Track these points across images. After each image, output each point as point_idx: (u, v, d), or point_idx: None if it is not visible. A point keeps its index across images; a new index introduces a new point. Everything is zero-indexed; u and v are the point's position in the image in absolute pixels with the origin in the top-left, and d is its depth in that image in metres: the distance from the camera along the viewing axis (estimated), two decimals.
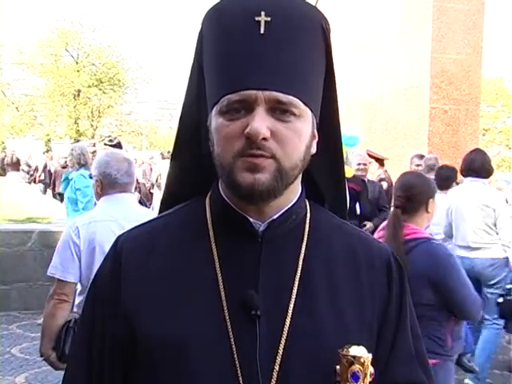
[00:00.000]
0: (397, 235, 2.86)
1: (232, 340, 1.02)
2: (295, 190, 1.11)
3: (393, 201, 3.04)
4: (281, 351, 1.02)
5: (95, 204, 3.64)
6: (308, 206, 1.16)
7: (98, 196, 3.23)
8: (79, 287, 3.06)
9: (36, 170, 22.47)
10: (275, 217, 1.08)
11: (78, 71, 35.36)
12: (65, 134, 35.80)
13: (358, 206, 6.48)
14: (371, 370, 0.97)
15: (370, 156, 7.67)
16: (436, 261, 2.84)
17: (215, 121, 1.04)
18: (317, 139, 1.10)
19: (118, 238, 1.15)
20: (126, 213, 3.07)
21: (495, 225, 5.12)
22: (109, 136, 8.56)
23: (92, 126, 36.27)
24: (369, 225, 6.40)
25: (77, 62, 36.12)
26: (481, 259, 5.13)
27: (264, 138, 0.99)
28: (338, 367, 0.97)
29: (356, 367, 0.95)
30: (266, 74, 1.00)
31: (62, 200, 10.24)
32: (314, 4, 1.13)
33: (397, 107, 8.98)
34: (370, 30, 9.65)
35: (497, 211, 5.11)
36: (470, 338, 4.18)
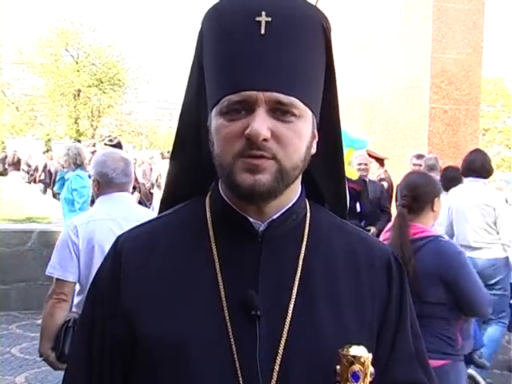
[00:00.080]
0: (403, 234, 2.87)
1: (232, 340, 1.02)
2: (295, 190, 1.11)
3: (398, 200, 3.04)
4: (281, 351, 1.02)
5: (92, 205, 3.64)
6: (308, 206, 1.16)
7: (97, 195, 3.24)
8: (78, 287, 3.05)
9: (36, 169, 22.50)
10: (275, 217, 1.08)
11: (78, 71, 35.40)
12: (65, 133, 35.83)
13: (358, 205, 6.49)
14: (371, 369, 0.97)
15: (370, 156, 7.67)
16: (446, 259, 2.84)
17: (215, 121, 1.04)
18: (317, 139, 1.10)
19: (118, 237, 1.15)
20: (125, 212, 3.08)
21: (495, 224, 5.14)
22: (109, 136, 8.56)
23: (92, 125, 36.31)
24: (372, 230, 6.40)
25: (77, 62, 36.17)
26: (482, 259, 5.14)
27: (265, 139, 0.99)
28: (338, 367, 0.96)
29: (356, 367, 0.95)
30: (266, 75, 1.00)
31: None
32: (314, 4, 1.13)
33: (397, 107, 8.98)
34: (370, 30, 9.64)
35: (497, 210, 5.14)
36: (479, 334, 4.19)
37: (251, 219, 1.08)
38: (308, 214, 1.15)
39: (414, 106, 8.60)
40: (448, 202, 5.31)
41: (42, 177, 21.09)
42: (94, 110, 36.21)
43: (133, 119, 45.80)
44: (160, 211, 1.23)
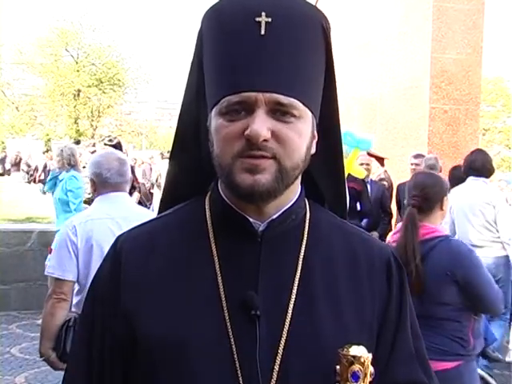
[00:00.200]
0: (410, 235, 2.88)
1: (232, 340, 1.02)
2: (295, 190, 1.11)
3: (406, 200, 3.04)
4: (281, 351, 1.02)
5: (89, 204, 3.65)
6: (308, 206, 1.16)
7: (94, 196, 3.29)
8: (76, 286, 3.06)
9: (36, 169, 22.51)
10: (275, 216, 1.08)
11: (77, 71, 35.40)
12: (65, 133, 35.83)
13: (358, 205, 6.50)
14: (371, 369, 0.97)
15: (370, 155, 7.68)
16: (457, 258, 2.85)
17: (215, 121, 1.04)
18: (316, 139, 1.10)
19: (118, 237, 1.15)
20: (123, 211, 3.10)
21: (496, 222, 5.17)
22: (109, 136, 8.54)
23: (92, 125, 36.31)
24: (375, 234, 6.40)
25: (77, 62, 36.17)
26: (483, 257, 5.16)
27: (265, 139, 0.99)
28: (338, 367, 0.97)
29: (356, 367, 0.95)
30: (266, 76, 0.99)
31: None
32: (314, 4, 1.13)
33: (397, 107, 8.97)
34: (370, 30, 9.64)
35: (496, 208, 5.17)
36: (490, 329, 4.21)
37: (251, 219, 1.07)
38: (308, 214, 1.15)
39: (414, 106, 8.59)
40: (450, 201, 5.34)
41: (42, 177, 21.10)
42: (94, 110, 36.21)
43: (133, 119, 45.84)
44: (160, 211, 1.23)
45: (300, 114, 1.02)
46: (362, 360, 0.95)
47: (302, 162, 1.04)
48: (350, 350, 0.96)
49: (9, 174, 29.53)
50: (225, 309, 1.03)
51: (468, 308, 2.86)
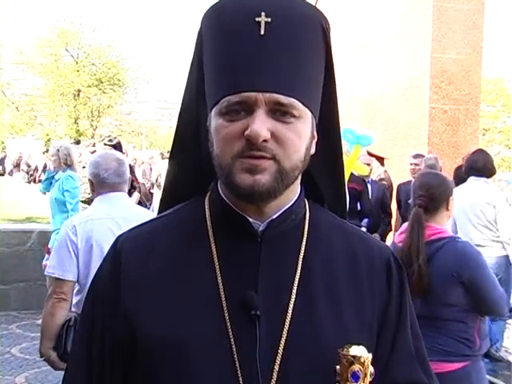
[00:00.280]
0: (419, 234, 2.88)
1: (232, 340, 1.02)
2: (295, 190, 1.11)
3: (412, 200, 3.04)
4: (281, 351, 1.02)
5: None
6: (307, 206, 1.16)
7: (93, 196, 3.31)
8: (76, 286, 3.06)
9: (36, 169, 22.51)
10: (275, 217, 1.08)
11: (77, 71, 35.39)
12: (65, 133, 35.81)
13: (358, 205, 6.50)
14: (371, 369, 0.97)
15: (370, 154, 7.68)
16: (465, 260, 2.85)
17: (215, 121, 1.04)
18: (316, 139, 1.10)
19: (118, 237, 1.15)
20: (123, 211, 3.12)
21: (496, 222, 5.19)
22: (109, 136, 8.53)
23: (92, 125, 36.30)
24: (376, 236, 6.41)
25: (77, 62, 36.16)
26: (485, 257, 5.18)
27: (264, 140, 0.99)
28: (338, 367, 0.96)
29: (356, 367, 0.95)
30: (266, 76, 0.99)
31: None
32: (313, 4, 1.13)
33: (397, 107, 8.97)
34: (370, 30, 9.64)
35: (497, 207, 5.19)
36: (493, 329, 4.22)
37: (251, 219, 1.07)
38: (307, 214, 1.15)
39: (414, 106, 8.59)
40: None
41: (42, 177, 21.10)
42: (94, 110, 36.20)
43: (133, 119, 45.85)
44: (159, 211, 1.23)
45: (300, 113, 1.02)
46: (362, 360, 0.95)
47: (301, 162, 1.04)
48: (350, 349, 0.96)
49: (11, 175, 29.72)
50: (225, 309, 1.03)
51: (474, 309, 2.86)
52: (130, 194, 4.22)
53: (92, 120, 36.35)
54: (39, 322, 6.09)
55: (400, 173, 8.19)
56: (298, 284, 1.07)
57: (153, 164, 15.92)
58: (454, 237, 3.02)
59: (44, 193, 6.89)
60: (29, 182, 24.66)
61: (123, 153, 7.81)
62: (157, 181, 13.96)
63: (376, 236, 6.36)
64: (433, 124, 8.37)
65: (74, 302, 3.05)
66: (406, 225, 3.11)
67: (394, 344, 1.12)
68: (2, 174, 31.28)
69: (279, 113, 1.00)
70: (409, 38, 8.75)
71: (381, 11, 9.39)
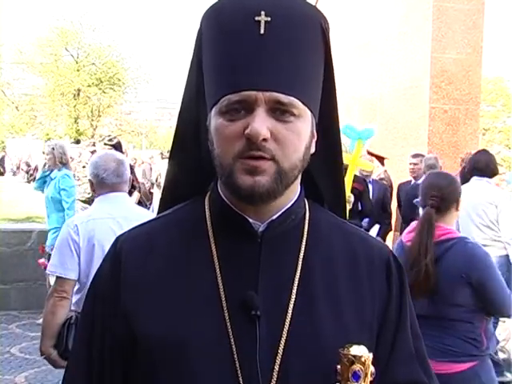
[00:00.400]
0: (429, 234, 2.89)
1: (232, 340, 1.02)
2: (295, 190, 1.11)
3: (423, 201, 3.04)
4: (281, 351, 1.02)
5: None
6: (307, 206, 1.16)
7: (94, 196, 3.35)
8: (76, 285, 3.08)
9: (36, 169, 22.48)
10: (274, 217, 1.08)
11: (77, 71, 35.36)
12: (65, 133, 35.77)
13: (359, 205, 6.50)
14: (372, 369, 0.97)
15: (370, 154, 7.69)
16: (474, 261, 2.86)
17: (215, 121, 1.04)
18: (316, 139, 1.10)
19: (118, 238, 1.15)
20: (124, 211, 3.14)
21: (498, 221, 5.21)
22: (108, 135, 8.52)
23: (92, 125, 36.27)
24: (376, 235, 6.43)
25: (77, 62, 36.13)
26: None
27: (264, 139, 0.99)
28: (338, 367, 0.96)
29: (357, 366, 0.95)
30: (266, 75, 1.00)
31: None
32: (313, 4, 1.13)
33: (397, 107, 8.97)
34: (370, 30, 9.64)
35: (499, 207, 5.21)
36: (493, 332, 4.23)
37: (251, 220, 1.07)
38: (307, 214, 1.15)
39: (414, 106, 8.60)
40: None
41: None
42: (94, 110, 36.17)
43: (133, 119, 45.84)
44: (159, 211, 1.23)
45: (299, 112, 1.02)
46: (363, 360, 0.95)
47: (300, 161, 1.04)
48: (350, 349, 0.96)
49: (15, 175, 29.88)
50: (225, 309, 1.03)
51: (481, 309, 2.88)
52: (129, 193, 4.22)
53: (92, 120, 36.32)
54: (39, 321, 6.10)
55: (400, 173, 8.20)
56: (298, 284, 1.07)
57: (153, 164, 15.91)
58: (463, 237, 3.03)
59: (42, 191, 6.85)
60: (28, 182, 24.66)
61: (123, 152, 7.81)
62: (157, 180, 13.95)
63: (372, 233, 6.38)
64: (433, 124, 8.37)
65: (74, 300, 3.06)
66: (414, 224, 3.12)
67: (394, 344, 1.12)
68: (2, 174, 31.31)
69: (279, 112, 1.00)
70: (409, 37, 8.75)
71: (381, 11, 9.39)
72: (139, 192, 9.80)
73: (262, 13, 1.00)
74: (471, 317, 2.86)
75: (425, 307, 2.84)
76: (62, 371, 1.18)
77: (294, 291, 1.06)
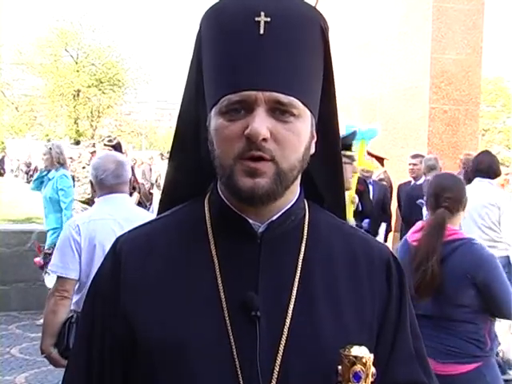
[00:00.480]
0: (439, 236, 2.89)
1: (232, 341, 1.02)
2: (294, 191, 1.11)
3: (430, 202, 3.04)
4: (281, 352, 1.02)
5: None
6: (307, 207, 1.16)
7: (95, 196, 3.39)
8: (77, 285, 3.10)
9: (36, 170, 22.48)
10: (274, 218, 1.08)
11: (77, 71, 35.34)
12: (64, 134, 35.77)
13: (360, 205, 6.50)
14: (373, 370, 0.96)
15: (370, 155, 7.68)
16: (480, 262, 2.88)
17: (215, 121, 1.04)
18: (315, 139, 1.10)
19: (118, 238, 1.15)
20: (125, 212, 3.16)
21: (500, 223, 5.22)
22: (108, 136, 8.51)
23: (91, 126, 36.25)
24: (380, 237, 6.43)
25: (76, 62, 36.11)
26: None
27: (264, 139, 0.99)
28: (339, 367, 0.96)
29: (358, 367, 0.95)
30: (265, 75, 1.00)
31: None
32: (313, 4, 1.13)
33: (396, 107, 8.98)
34: (370, 30, 9.65)
35: (501, 209, 5.21)
36: None
37: (250, 220, 1.07)
38: (307, 215, 1.15)
39: (414, 107, 8.60)
40: None
41: None
42: (94, 111, 36.14)
43: (132, 119, 45.78)
44: (159, 212, 1.23)
45: (299, 113, 1.02)
46: (364, 360, 0.95)
47: (299, 162, 1.04)
48: (351, 350, 0.96)
49: (17, 176, 29.99)
50: (225, 309, 1.03)
51: (485, 310, 2.89)
52: (129, 194, 4.23)
53: (92, 120, 36.30)
54: (39, 322, 6.10)
55: (400, 173, 8.20)
56: (298, 284, 1.07)
57: (152, 164, 15.91)
58: (470, 238, 3.05)
59: (40, 191, 6.85)
60: (28, 182, 24.67)
61: (123, 153, 7.81)
62: (156, 181, 13.96)
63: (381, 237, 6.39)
64: (433, 124, 8.38)
65: (74, 300, 3.09)
66: (419, 224, 3.12)
67: (394, 344, 1.12)
68: (2, 175, 31.35)
69: (279, 112, 1.01)
70: (409, 38, 8.75)
71: (381, 11, 9.39)
72: (139, 193, 9.81)
73: (262, 13, 1.01)
74: (475, 317, 2.86)
75: (429, 307, 2.85)
76: (62, 372, 1.18)
77: (294, 292, 1.06)
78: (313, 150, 1.09)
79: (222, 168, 1.03)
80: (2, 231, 7.45)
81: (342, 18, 9.74)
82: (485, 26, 8.59)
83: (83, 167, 8.28)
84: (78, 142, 26.86)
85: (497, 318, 3.13)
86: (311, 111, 1.06)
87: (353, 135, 3.47)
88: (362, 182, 6.64)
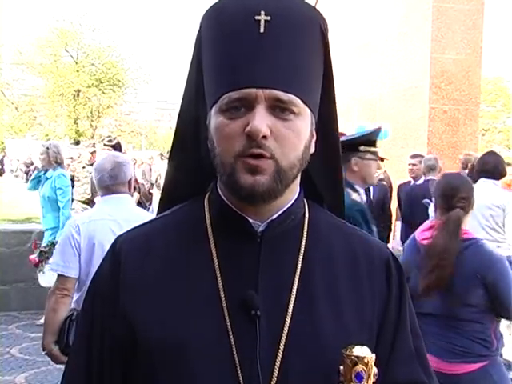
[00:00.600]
0: (456, 236, 2.91)
1: (232, 340, 1.02)
2: (294, 190, 1.11)
3: (443, 202, 3.03)
4: (281, 351, 1.02)
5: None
6: (306, 206, 1.16)
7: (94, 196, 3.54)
8: (77, 283, 3.16)
9: (35, 170, 22.50)
10: (274, 217, 1.08)
11: (77, 71, 35.36)
12: (64, 134, 35.78)
13: None
14: (375, 370, 0.96)
15: None
16: (490, 262, 2.89)
17: (215, 119, 1.04)
18: (315, 138, 1.10)
19: (117, 238, 1.15)
20: (125, 213, 3.20)
21: (504, 224, 5.22)
22: (108, 136, 8.52)
23: (91, 126, 36.27)
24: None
25: (76, 62, 36.13)
26: None
27: (264, 137, 0.99)
28: (341, 367, 0.96)
29: (360, 367, 0.95)
30: (266, 73, 1.00)
31: None
32: (313, 4, 1.13)
33: (396, 107, 8.99)
34: (370, 30, 9.65)
35: (506, 211, 5.21)
36: None
37: (250, 220, 1.07)
38: (307, 214, 1.15)
39: (414, 107, 8.61)
40: None
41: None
42: (94, 111, 36.15)
43: (132, 119, 45.83)
44: (158, 212, 1.23)
45: (299, 111, 1.02)
46: (366, 360, 0.95)
47: (298, 160, 1.04)
48: (353, 350, 0.95)
49: (17, 176, 30.06)
50: (225, 309, 1.03)
51: (491, 310, 2.90)
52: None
53: (92, 120, 36.31)
54: (39, 322, 6.10)
55: (399, 173, 8.20)
56: (298, 283, 1.07)
57: (152, 164, 15.91)
58: (479, 239, 3.06)
59: (38, 190, 6.86)
60: (27, 182, 24.72)
61: (123, 153, 7.81)
62: (156, 181, 13.96)
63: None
64: (432, 124, 8.38)
65: (74, 299, 3.14)
66: (428, 223, 3.13)
67: (394, 344, 1.12)
68: (1, 175, 31.37)
69: (279, 109, 1.01)
70: (409, 38, 8.76)
71: (381, 11, 9.40)
72: (139, 193, 9.82)
73: (262, 12, 1.01)
74: (482, 317, 2.88)
75: (437, 306, 2.86)
76: (61, 372, 1.18)
77: (294, 291, 1.06)
78: (313, 149, 1.09)
79: (222, 166, 1.03)
80: (2, 231, 7.44)
81: (342, 18, 9.74)
82: (485, 26, 8.60)
83: (83, 167, 8.29)
84: (77, 142, 26.89)
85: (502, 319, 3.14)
86: (311, 110, 1.06)
87: (377, 131, 3.45)
88: None
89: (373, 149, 3.32)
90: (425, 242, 3.00)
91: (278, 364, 1.01)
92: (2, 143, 39.80)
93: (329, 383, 0.99)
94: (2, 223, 11.18)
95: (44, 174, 6.64)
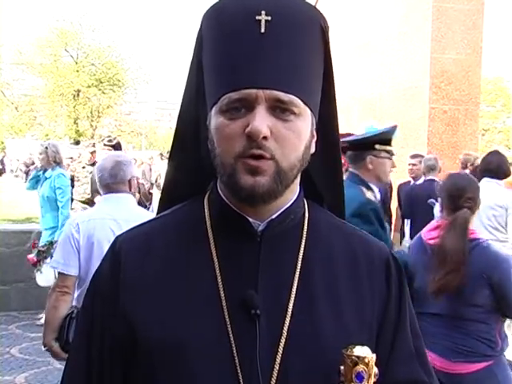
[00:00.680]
0: (464, 236, 2.91)
1: (232, 340, 1.02)
2: (294, 190, 1.11)
3: (449, 202, 3.04)
4: (281, 350, 1.02)
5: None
6: (306, 206, 1.16)
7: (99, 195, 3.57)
8: (77, 281, 3.21)
9: (35, 169, 22.54)
10: (274, 216, 1.08)
11: (77, 71, 35.35)
12: (64, 134, 35.77)
13: None
14: (375, 370, 0.96)
15: None
16: (496, 262, 2.89)
17: (215, 120, 1.04)
18: (315, 139, 1.10)
19: (117, 238, 1.15)
20: (125, 213, 3.22)
21: (507, 224, 5.22)
22: (108, 136, 8.51)
23: (91, 126, 36.26)
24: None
25: (76, 62, 36.12)
26: None
27: (264, 137, 0.99)
28: (342, 367, 0.96)
29: (360, 367, 0.95)
30: (266, 73, 1.00)
31: None
32: (313, 4, 1.13)
33: (396, 107, 8.98)
34: (370, 30, 9.65)
35: (508, 210, 5.20)
36: None
37: (250, 219, 1.07)
38: (306, 214, 1.15)
39: (414, 106, 8.60)
40: None
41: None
42: (94, 111, 36.14)
43: (132, 119, 45.83)
44: (158, 211, 1.23)
45: (299, 111, 1.02)
46: (367, 360, 0.95)
47: (299, 161, 1.04)
48: (354, 350, 0.95)
49: (16, 176, 30.11)
50: (224, 308, 1.03)
51: (497, 310, 2.91)
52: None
53: (92, 120, 36.29)
54: (39, 322, 6.11)
55: (399, 173, 8.19)
56: (298, 283, 1.07)
57: (152, 164, 15.92)
58: (484, 239, 3.06)
59: (37, 190, 6.86)
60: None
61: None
62: (156, 181, 13.97)
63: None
64: (432, 124, 8.38)
65: (75, 296, 3.18)
66: (434, 222, 3.13)
67: (394, 344, 1.12)
68: (0, 175, 31.38)
69: (279, 110, 1.01)
70: (409, 38, 8.76)
71: (381, 11, 9.40)
72: (139, 193, 9.80)
73: (263, 12, 1.01)
74: (487, 317, 2.88)
75: (443, 306, 2.86)
76: (61, 372, 1.18)
77: (294, 290, 1.06)
78: (313, 150, 1.09)
79: (222, 167, 1.03)
80: (2, 231, 7.44)
81: (342, 17, 9.74)
82: (485, 26, 8.60)
83: (83, 167, 8.28)
84: (77, 142, 26.86)
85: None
86: (311, 110, 1.06)
87: (393, 129, 3.44)
88: None
89: (388, 147, 3.32)
90: (431, 241, 3.00)
91: (277, 363, 1.01)
92: (2, 143, 39.80)
93: (329, 383, 0.99)
94: (2, 223, 11.18)
95: (43, 173, 6.65)
